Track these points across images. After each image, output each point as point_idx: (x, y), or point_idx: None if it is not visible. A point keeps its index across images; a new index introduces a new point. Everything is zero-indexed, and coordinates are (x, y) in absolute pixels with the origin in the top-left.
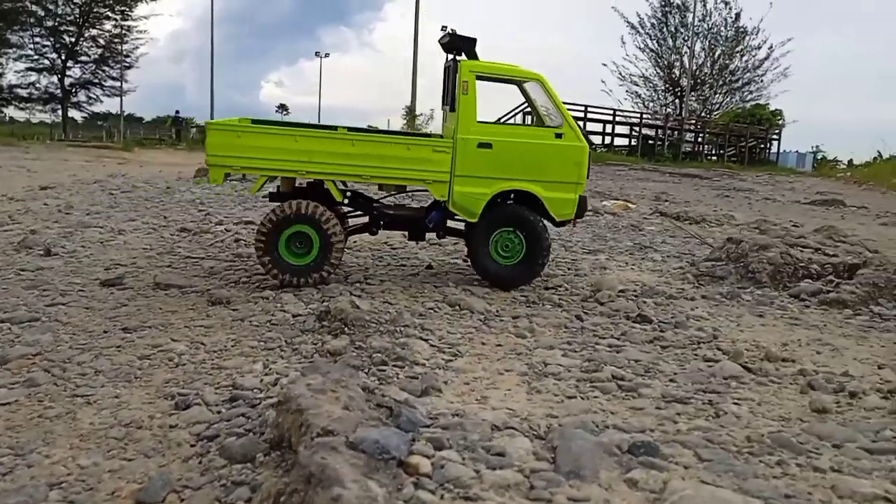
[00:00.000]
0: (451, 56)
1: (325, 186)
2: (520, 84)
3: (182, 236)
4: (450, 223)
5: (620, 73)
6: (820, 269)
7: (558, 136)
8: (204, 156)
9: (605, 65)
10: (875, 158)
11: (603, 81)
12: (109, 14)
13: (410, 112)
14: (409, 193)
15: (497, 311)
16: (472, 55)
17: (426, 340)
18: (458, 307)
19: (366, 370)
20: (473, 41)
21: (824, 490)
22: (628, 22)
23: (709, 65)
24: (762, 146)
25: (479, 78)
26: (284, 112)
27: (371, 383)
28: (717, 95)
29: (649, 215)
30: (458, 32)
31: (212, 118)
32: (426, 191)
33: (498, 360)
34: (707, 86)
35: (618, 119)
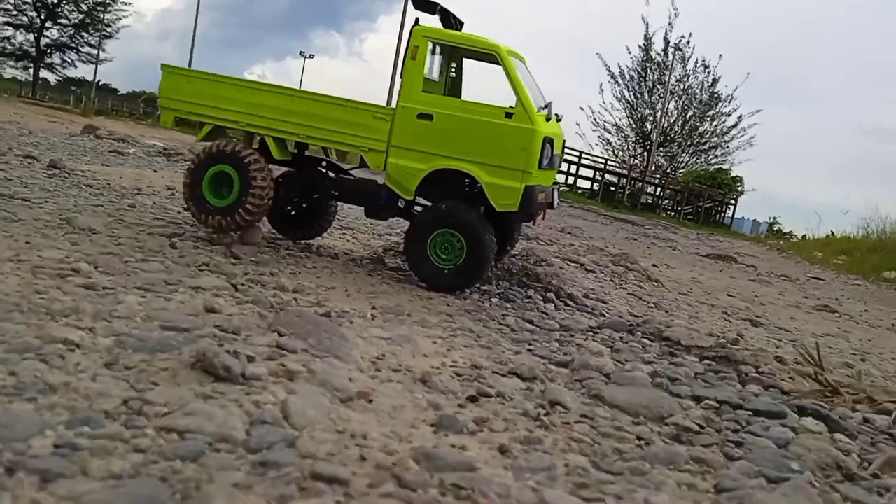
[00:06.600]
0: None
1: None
2: (479, 57)
3: None
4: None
5: (595, 119)
6: None
7: (508, 115)
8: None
9: (582, 108)
10: (827, 236)
11: (577, 124)
12: None
13: None
14: None
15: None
16: (447, 23)
17: None
18: None
19: None
20: (434, 6)
21: None
22: (609, 70)
23: (679, 124)
24: (719, 209)
25: (439, 47)
26: None
27: None
28: (685, 154)
29: None
30: None
31: None
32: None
33: None
34: (676, 143)
35: (583, 161)
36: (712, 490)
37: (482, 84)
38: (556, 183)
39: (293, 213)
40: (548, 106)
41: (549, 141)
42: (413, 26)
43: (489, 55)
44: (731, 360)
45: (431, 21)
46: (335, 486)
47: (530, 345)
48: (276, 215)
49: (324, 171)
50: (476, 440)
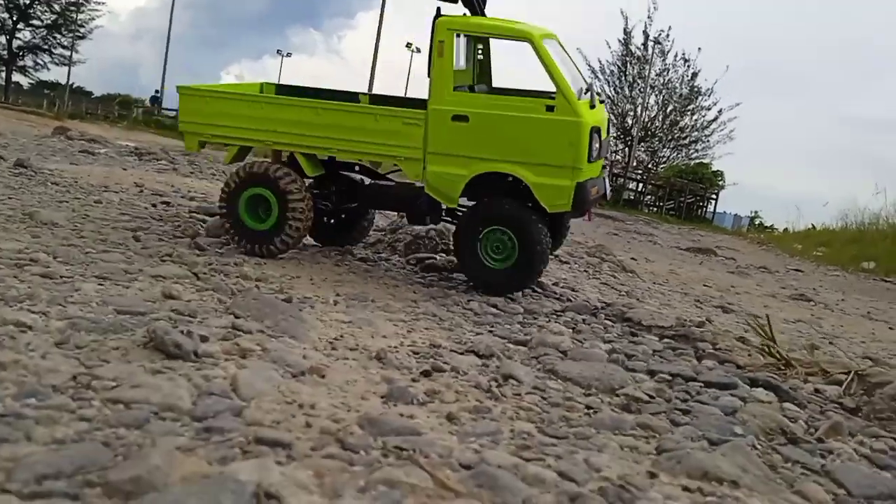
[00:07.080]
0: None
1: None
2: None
3: None
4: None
5: None
6: (445, 246)
7: (549, 108)
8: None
9: None
10: (808, 229)
11: None
12: None
13: None
14: None
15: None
16: (475, 10)
17: None
18: None
19: None
20: None
21: None
22: (589, 65)
23: (660, 118)
24: (700, 204)
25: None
26: None
27: None
28: (666, 149)
29: None
30: None
31: (161, 103)
32: None
33: None
34: (657, 139)
35: None
36: (654, 452)
37: (511, 61)
38: (603, 167)
39: (331, 221)
40: (589, 90)
41: (596, 131)
42: (435, 18)
43: (521, 42)
44: (689, 338)
45: (454, 10)
46: (277, 449)
47: (492, 327)
48: (313, 225)
49: (358, 177)
50: (425, 410)
